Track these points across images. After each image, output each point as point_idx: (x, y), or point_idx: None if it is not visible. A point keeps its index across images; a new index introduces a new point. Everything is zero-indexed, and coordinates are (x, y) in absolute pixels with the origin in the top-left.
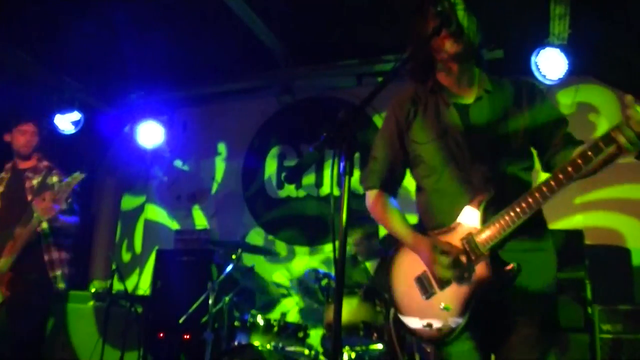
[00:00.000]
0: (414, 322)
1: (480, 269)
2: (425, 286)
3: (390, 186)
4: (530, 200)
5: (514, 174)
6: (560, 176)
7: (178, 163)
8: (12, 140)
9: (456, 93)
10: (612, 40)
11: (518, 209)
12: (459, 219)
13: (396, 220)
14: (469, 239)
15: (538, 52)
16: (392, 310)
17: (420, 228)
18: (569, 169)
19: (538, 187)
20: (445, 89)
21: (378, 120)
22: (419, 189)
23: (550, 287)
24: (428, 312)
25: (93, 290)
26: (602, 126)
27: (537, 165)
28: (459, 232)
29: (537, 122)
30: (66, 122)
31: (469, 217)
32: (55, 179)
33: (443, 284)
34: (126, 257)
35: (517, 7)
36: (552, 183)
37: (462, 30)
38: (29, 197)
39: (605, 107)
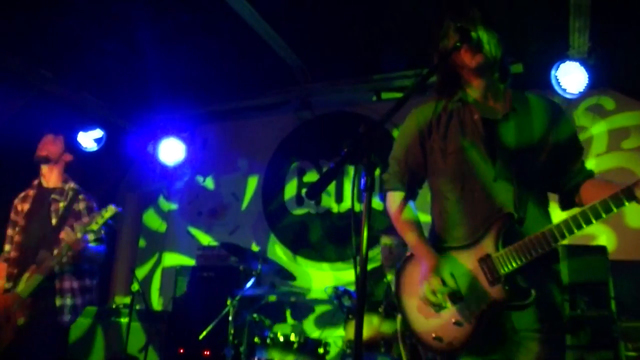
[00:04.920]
0: (423, 334)
1: (496, 292)
2: None
3: (410, 189)
4: (550, 237)
5: (536, 197)
6: (581, 219)
7: (198, 180)
8: (38, 152)
9: (483, 106)
10: (633, 53)
11: (539, 244)
12: (479, 238)
13: (410, 226)
14: (487, 260)
15: (558, 66)
16: (399, 318)
17: (432, 236)
18: (590, 214)
19: (558, 226)
20: (473, 101)
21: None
22: (436, 197)
23: (558, 311)
24: (439, 325)
25: (114, 306)
26: (623, 140)
27: None
28: (477, 251)
29: (560, 143)
30: (89, 139)
31: (489, 238)
32: (82, 205)
33: (455, 299)
34: None
35: (536, 21)
36: (572, 225)
37: (481, 44)
38: (54, 221)
39: (627, 120)
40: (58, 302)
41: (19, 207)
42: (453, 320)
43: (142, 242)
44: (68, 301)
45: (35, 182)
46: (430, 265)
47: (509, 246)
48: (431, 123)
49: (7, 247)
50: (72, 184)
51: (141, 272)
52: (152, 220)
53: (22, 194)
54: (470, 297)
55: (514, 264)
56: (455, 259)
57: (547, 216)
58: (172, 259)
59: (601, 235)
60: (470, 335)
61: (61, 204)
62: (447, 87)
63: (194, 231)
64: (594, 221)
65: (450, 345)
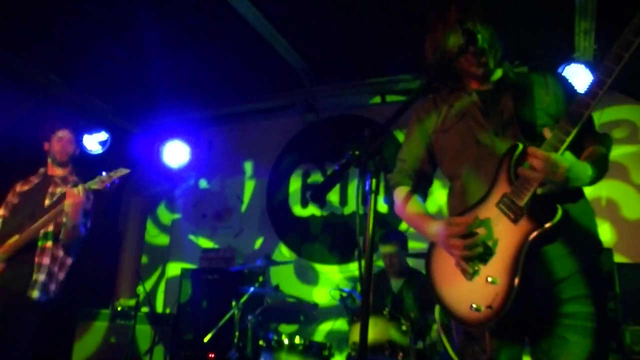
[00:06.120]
0: (462, 310)
1: (522, 226)
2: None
3: (418, 186)
4: (553, 138)
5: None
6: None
7: (202, 183)
8: (49, 148)
9: (477, 87)
10: (639, 56)
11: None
12: (491, 187)
13: (416, 214)
14: (504, 199)
15: (563, 68)
16: (437, 308)
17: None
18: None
19: (559, 123)
20: (471, 88)
21: (401, 137)
22: (452, 180)
23: (595, 238)
24: (475, 294)
25: (119, 308)
26: (630, 140)
27: None
28: (492, 200)
29: (560, 103)
30: (94, 142)
31: (501, 179)
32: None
33: (485, 255)
34: None
35: (541, 23)
36: (569, 118)
37: (485, 51)
38: (47, 202)
39: (632, 122)
40: (34, 276)
41: (18, 189)
42: (488, 279)
43: (144, 259)
44: (41, 277)
45: (42, 170)
46: (443, 226)
47: (520, 177)
48: (431, 116)
49: None
50: (75, 178)
51: (147, 284)
52: (153, 234)
53: (26, 179)
54: (499, 247)
55: (530, 188)
56: (475, 216)
57: None
58: (177, 268)
59: (598, 228)
60: (508, 290)
61: (59, 189)
62: (446, 83)
63: (197, 238)
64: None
65: (490, 310)
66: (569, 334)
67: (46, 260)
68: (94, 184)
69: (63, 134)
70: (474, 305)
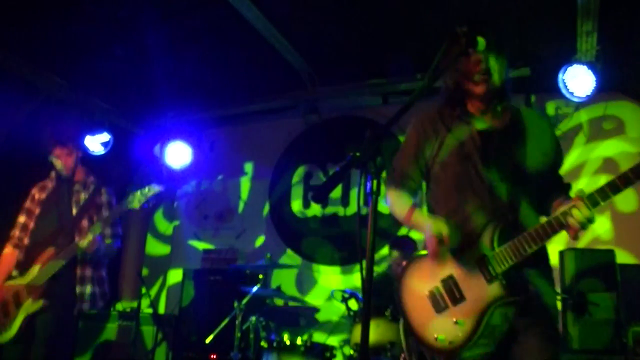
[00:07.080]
0: (426, 336)
1: (494, 288)
2: (438, 301)
3: (405, 187)
4: (546, 229)
5: (530, 201)
6: (586, 203)
7: (204, 184)
8: (52, 162)
9: (482, 121)
10: (633, 57)
11: (535, 236)
12: (475, 239)
13: (402, 206)
14: (485, 260)
15: (565, 69)
16: (401, 321)
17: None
18: (596, 197)
19: (554, 218)
20: (472, 116)
21: (403, 139)
22: (435, 207)
23: (554, 307)
24: (439, 325)
25: (121, 309)
26: (631, 142)
27: None
28: (474, 252)
29: (550, 160)
30: (96, 143)
31: (485, 238)
32: (104, 198)
33: (456, 300)
34: None
35: (544, 24)
36: (565, 215)
37: (490, 73)
38: (74, 211)
39: (634, 123)
40: (78, 289)
41: (37, 196)
42: (454, 319)
43: (145, 271)
44: (88, 289)
45: (53, 174)
46: (433, 222)
47: (504, 245)
48: (431, 133)
49: (17, 233)
50: (92, 178)
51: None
52: (153, 246)
53: (41, 184)
54: (470, 296)
55: (510, 261)
56: (454, 261)
57: (539, 218)
58: (178, 275)
59: (598, 220)
60: (471, 334)
61: (82, 196)
62: (450, 101)
63: (199, 242)
64: (600, 203)
65: (451, 344)
66: (531, 340)
67: (88, 272)
68: (131, 204)
69: (59, 152)
70: (437, 336)
